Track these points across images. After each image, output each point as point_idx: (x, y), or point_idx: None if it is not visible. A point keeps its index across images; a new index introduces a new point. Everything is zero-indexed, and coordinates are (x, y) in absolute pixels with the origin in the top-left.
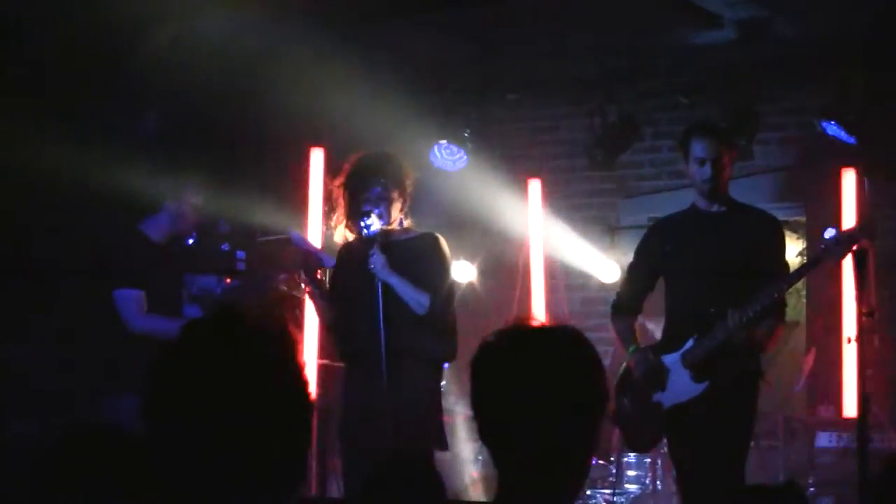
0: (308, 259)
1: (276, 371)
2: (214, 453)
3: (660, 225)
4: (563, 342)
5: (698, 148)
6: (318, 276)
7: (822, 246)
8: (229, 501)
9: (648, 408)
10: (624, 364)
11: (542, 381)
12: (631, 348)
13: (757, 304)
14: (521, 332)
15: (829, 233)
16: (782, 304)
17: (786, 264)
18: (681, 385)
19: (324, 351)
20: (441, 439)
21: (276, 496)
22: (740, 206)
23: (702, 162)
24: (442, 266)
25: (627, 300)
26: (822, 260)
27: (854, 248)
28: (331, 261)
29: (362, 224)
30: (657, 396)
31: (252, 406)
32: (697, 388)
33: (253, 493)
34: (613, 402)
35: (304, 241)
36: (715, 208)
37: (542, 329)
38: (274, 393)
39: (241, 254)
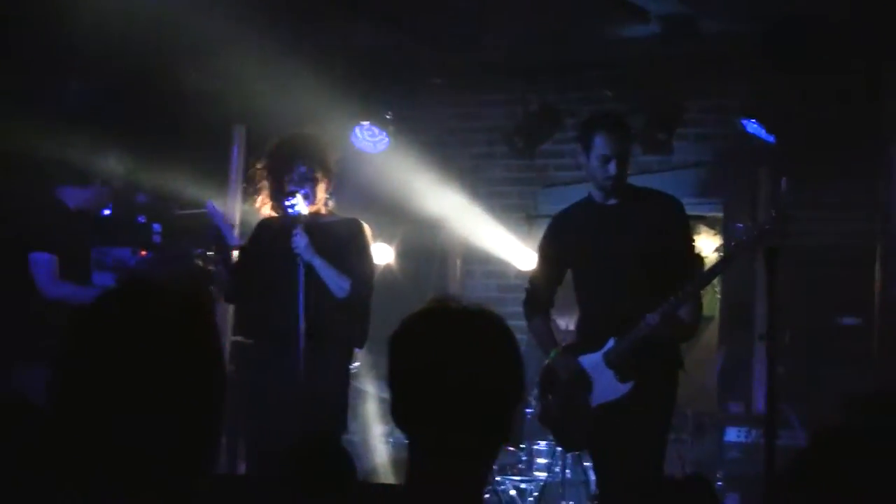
0: (215, 231)
1: (190, 344)
2: (125, 428)
3: (558, 219)
4: (482, 324)
5: (601, 143)
6: (228, 254)
7: (733, 242)
8: (139, 479)
9: (576, 408)
10: (546, 364)
11: (460, 362)
12: (552, 352)
13: (673, 300)
14: (441, 313)
15: (740, 227)
16: (699, 295)
17: (692, 245)
18: (606, 385)
19: (238, 327)
20: (344, 422)
21: (188, 473)
22: (637, 191)
23: (606, 159)
24: (364, 252)
25: (539, 294)
26: (734, 255)
27: (764, 242)
28: (234, 239)
29: (287, 204)
30: (584, 396)
31: (164, 380)
32: (624, 388)
33: (165, 471)
34: (539, 404)
35: (218, 215)
36: (612, 200)
37: (462, 310)
38: (187, 367)
39: (157, 226)
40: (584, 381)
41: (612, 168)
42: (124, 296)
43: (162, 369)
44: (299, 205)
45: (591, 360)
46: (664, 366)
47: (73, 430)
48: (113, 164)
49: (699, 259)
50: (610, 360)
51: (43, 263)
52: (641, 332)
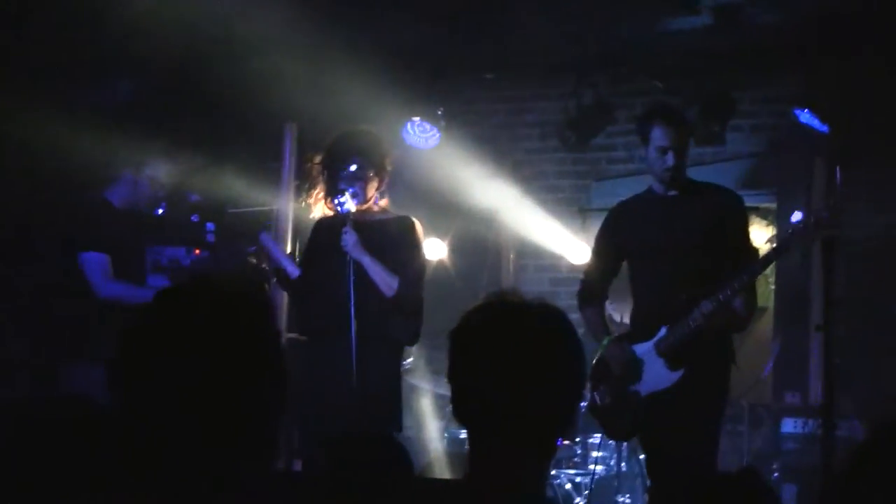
0: (275, 265)
1: (251, 341)
2: (186, 425)
3: (617, 210)
4: (543, 319)
5: (660, 136)
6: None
7: (790, 230)
8: (201, 475)
9: (625, 398)
10: (598, 355)
11: (522, 356)
12: (605, 340)
13: (727, 290)
14: (501, 307)
15: (796, 216)
16: (754, 286)
17: (748, 239)
18: (657, 374)
19: (291, 325)
20: (398, 420)
21: (249, 468)
22: (697, 185)
23: (664, 150)
24: (415, 250)
25: (593, 286)
26: (789, 244)
27: (820, 232)
28: (295, 271)
29: (336, 202)
30: (634, 386)
31: (225, 377)
32: (674, 377)
33: (226, 466)
34: (589, 394)
35: (273, 247)
36: (672, 192)
37: (524, 304)
38: (248, 364)
39: (210, 225)
40: (635, 369)
41: (669, 159)
42: (184, 295)
43: (223, 368)
44: (348, 203)
45: (643, 349)
46: (715, 357)
47: (135, 427)
48: (152, 168)
49: (755, 253)
50: (661, 349)
51: (95, 262)
52: (695, 321)
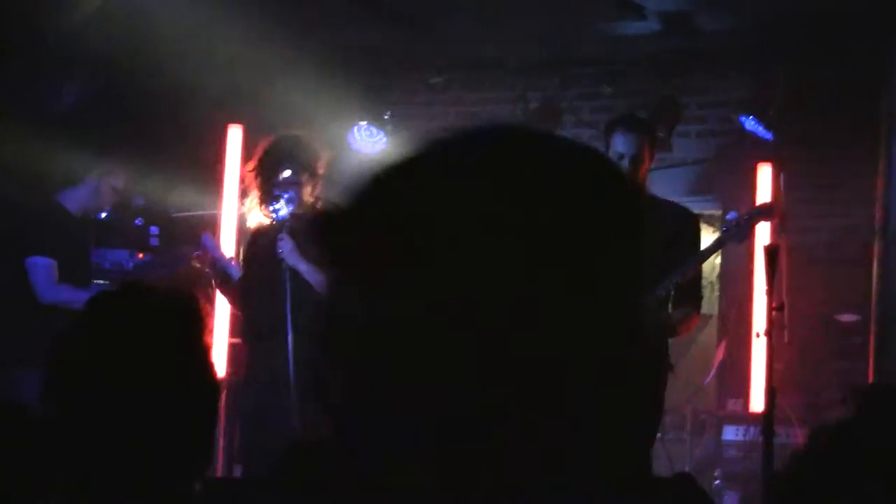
0: (214, 265)
1: (183, 348)
2: (117, 433)
3: None
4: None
5: (619, 142)
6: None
7: (724, 228)
8: (133, 482)
9: None
10: None
11: None
12: None
13: (666, 286)
14: None
15: (731, 214)
16: (697, 293)
17: (695, 255)
18: None
19: (234, 330)
20: None
21: (181, 477)
22: (654, 200)
23: (620, 157)
24: None
25: None
26: (724, 242)
27: (755, 228)
28: (236, 273)
29: (271, 209)
30: None
31: (157, 384)
32: None
33: (158, 474)
34: None
35: (214, 248)
36: None
37: None
38: (179, 371)
39: (154, 229)
40: None
41: (624, 166)
42: (118, 298)
43: (155, 372)
44: (283, 209)
45: None
46: None
47: (65, 431)
48: (113, 177)
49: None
50: None
51: (41, 267)
52: None
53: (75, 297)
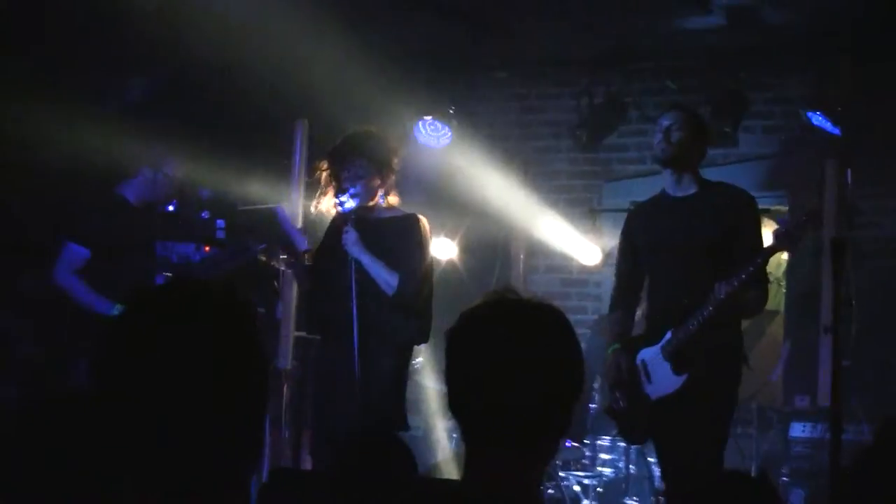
0: (284, 236)
1: (226, 340)
2: (164, 424)
3: (633, 213)
4: (542, 317)
5: (663, 117)
6: (298, 254)
7: (774, 236)
8: (184, 473)
9: (638, 402)
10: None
11: (520, 354)
12: (609, 348)
13: (742, 274)
14: (499, 305)
15: (781, 221)
16: (765, 277)
17: (760, 240)
18: (663, 377)
19: (301, 322)
20: (402, 420)
21: (233, 468)
22: (709, 185)
23: (664, 130)
24: (418, 248)
25: (619, 290)
26: (775, 250)
27: (804, 236)
28: (303, 244)
29: (337, 201)
30: (646, 388)
31: (201, 374)
32: (678, 381)
33: (209, 465)
34: (604, 397)
35: (286, 218)
36: (682, 192)
37: (522, 303)
38: (223, 362)
39: (220, 222)
40: (643, 374)
41: (659, 137)
42: (165, 292)
43: (198, 365)
44: (348, 202)
45: (651, 353)
46: (722, 359)
47: (114, 423)
48: (169, 166)
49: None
50: (667, 353)
51: (70, 253)
52: (706, 311)
53: (81, 293)
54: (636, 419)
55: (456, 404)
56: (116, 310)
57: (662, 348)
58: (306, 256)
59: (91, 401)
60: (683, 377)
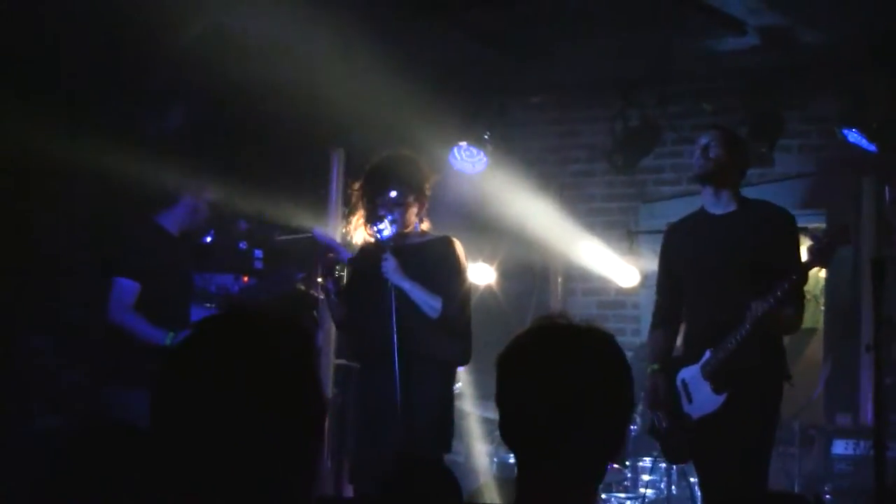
0: (326, 251)
1: (288, 371)
2: (223, 454)
3: (671, 230)
4: (592, 343)
5: (700, 138)
6: (336, 274)
7: (806, 254)
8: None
9: (680, 420)
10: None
11: (570, 379)
12: (650, 368)
13: (778, 291)
14: (550, 330)
15: (814, 237)
16: (802, 294)
17: (798, 259)
18: (704, 397)
19: (341, 350)
20: (448, 442)
21: (287, 498)
22: (749, 203)
23: (702, 148)
24: (455, 269)
25: (660, 309)
26: (809, 267)
27: (834, 252)
28: (346, 254)
29: (375, 228)
30: (686, 408)
31: (262, 406)
32: (718, 400)
33: (264, 495)
34: (646, 418)
35: (324, 236)
36: (722, 209)
37: (572, 327)
38: (285, 393)
39: (258, 252)
40: (683, 394)
41: (704, 152)
42: (225, 322)
43: (261, 396)
44: (387, 229)
45: (691, 373)
46: (763, 377)
47: (173, 454)
48: (208, 191)
49: (805, 274)
50: (706, 372)
51: (122, 288)
52: (743, 331)
53: (138, 328)
54: (679, 439)
55: (508, 429)
56: (169, 339)
57: (702, 368)
58: (344, 275)
59: (145, 432)
60: (723, 396)
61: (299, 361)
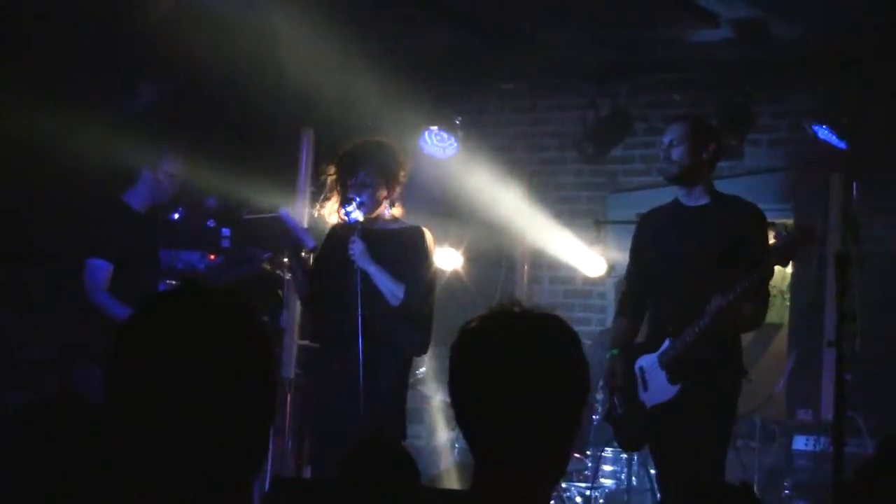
0: (290, 236)
1: (238, 345)
2: (173, 428)
3: (644, 219)
4: (546, 328)
5: (666, 132)
6: (302, 255)
7: (770, 251)
8: (189, 477)
9: (634, 407)
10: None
11: (524, 365)
12: (609, 353)
13: (738, 288)
14: (504, 316)
15: (779, 234)
16: (765, 291)
17: (765, 254)
18: (659, 386)
19: (305, 331)
20: (402, 430)
21: (238, 475)
22: (721, 197)
23: (665, 145)
24: (423, 260)
25: (626, 295)
26: (770, 264)
27: (796, 251)
28: (311, 242)
29: (344, 211)
30: (641, 396)
31: (212, 380)
32: (672, 390)
33: (214, 470)
34: (607, 401)
35: (290, 219)
36: (694, 201)
37: (525, 314)
38: (236, 369)
39: (226, 231)
40: (640, 381)
41: (667, 152)
42: (176, 298)
43: (210, 372)
44: (355, 212)
45: (649, 361)
46: (718, 372)
47: (125, 429)
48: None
49: (768, 271)
50: (663, 362)
51: (95, 269)
52: (702, 323)
53: (113, 308)
54: (632, 425)
55: (462, 418)
56: None
57: (660, 357)
58: (311, 257)
59: (97, 405)
60: (677, 387)
61: (248, 336)
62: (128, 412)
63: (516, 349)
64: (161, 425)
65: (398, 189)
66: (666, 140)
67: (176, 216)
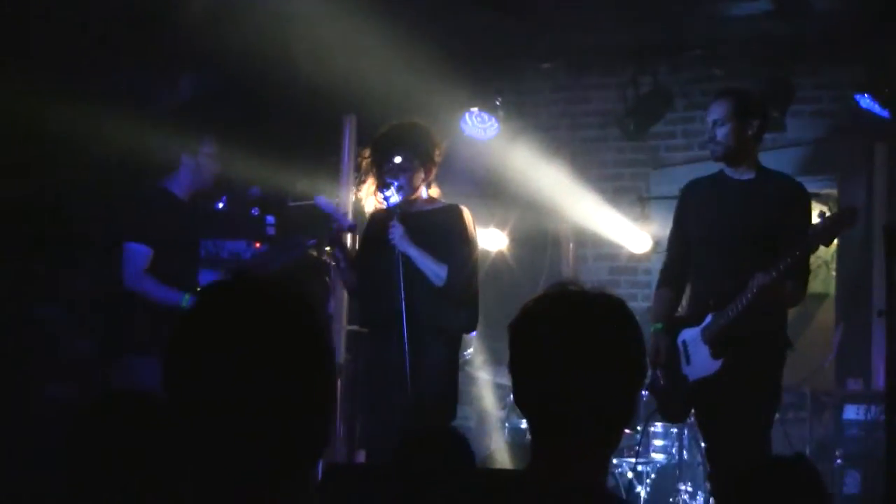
0: (328, 220)
1: (296, 335)
2: (234, 420)
3: (688, 189)
4: (605, 308)
5: (710, 110)
6: (344, 242)
7: (810, 232)
8: (252, 468)
9: (677, 380)
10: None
11: (583, 345)
12: (653, 327)
13: (781, 264)
14: (561, 297)
15: (820, 215)
16: (806, 269)
17: (807, 231)
18: (702, 360)
19: (353, 316)
20: (453, 410)
21: (298, 463)
22: (766, 172)
23: (712, 123)
24: (463, 238)
25: (668, 268)
26: (812, 244)
27: (837, 233)
28: (347, 221)
29: (382, 196)
30: (685, 369)
31: (271, 371)
32: (715, 365)
33: (275, 460)
34: (650, 374)
35: (327, 204)
36: (739, 175)
37: (584, 294)
38: (294, 358)
39: (270, 219)
40: (682, 355)
41: (712, 132)
42: (231, 288)
43: (269, 362)
44: (393, 196)
45: (692, 335)
46: (762, 346)
47: (184, 420)
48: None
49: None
50: (706, 336)
51: (133, 253)
52: (744, 300)
53: (158, 293)
54: (674, 398)
55: (521, 396)
56: (185, 300)
57: (703, 331)
58: (352, 238)
59: (155, 397)
60: (720, 362)
61: (306, 325)
62: (187, 404)
63: (576, 329)
64: (220, 414)
65: (434, 169)
66: (710, 119)
67: (220, 206)
